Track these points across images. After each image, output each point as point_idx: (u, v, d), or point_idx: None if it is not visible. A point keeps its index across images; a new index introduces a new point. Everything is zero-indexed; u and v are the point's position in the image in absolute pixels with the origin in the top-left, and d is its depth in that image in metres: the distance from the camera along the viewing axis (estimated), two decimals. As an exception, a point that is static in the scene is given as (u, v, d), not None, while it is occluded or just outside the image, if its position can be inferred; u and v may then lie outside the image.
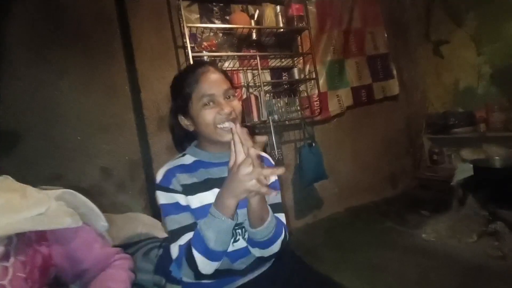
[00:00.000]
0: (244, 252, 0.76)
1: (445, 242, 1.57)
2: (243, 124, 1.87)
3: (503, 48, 2.06)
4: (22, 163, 1.45)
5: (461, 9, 2.24)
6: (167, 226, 0.71)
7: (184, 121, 0.79)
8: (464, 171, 1.94)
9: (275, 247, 0.73)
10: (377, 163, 2.50)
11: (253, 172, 0.59)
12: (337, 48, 2.25)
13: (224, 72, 0.79)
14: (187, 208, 0.72)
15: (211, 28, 1.76)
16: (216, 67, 0.80)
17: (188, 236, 0.68)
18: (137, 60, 1.63)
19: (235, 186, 0.61)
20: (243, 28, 1.74)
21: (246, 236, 0.76)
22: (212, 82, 0.73)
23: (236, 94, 0.79)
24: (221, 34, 1.86)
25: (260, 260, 0.77)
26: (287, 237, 0.78)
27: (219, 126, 0.73)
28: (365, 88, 2.40)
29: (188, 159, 0.79)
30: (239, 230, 0.76)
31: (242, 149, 0.62)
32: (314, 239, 1.87)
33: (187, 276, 0.69)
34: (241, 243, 0.76)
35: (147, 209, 1.72)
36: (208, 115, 0.72)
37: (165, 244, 0.93)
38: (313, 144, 1.91)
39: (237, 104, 0.75)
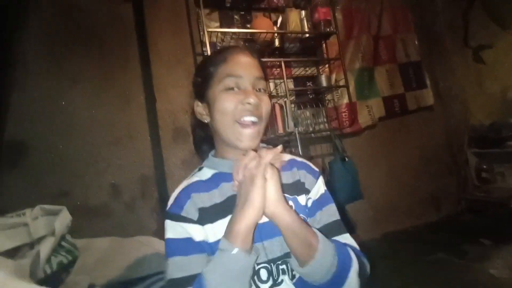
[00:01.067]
0: None
1: (524, 281, 1.24)
2: (266, 137, 1.69)
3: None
4: (27, 177, 1.32)
5: (505, 10, 2.03)
6: (167, 270, 0.50)
7: (199, 108, 0.62)
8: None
9: (351, 285, 0.48)
10: (416, 183, 2.20)
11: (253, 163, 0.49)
12: (366, 56, 2.08)
13: (260, 60, 0.62)
14: (202, 246, 0.52)
15: (232, 35, 1.65)
16: (252, 51, 0.62)
17: None
18: (153, 65, 1.53)
19: (242, 196, 0.48)
20: (266, 33, 1.61)
21: (294, 275, 0.52)
22: (242, 64, 0.58)
23: (267, 91, 0.61)
24: (242, 42, 1.75)
25: None
26: (367, 266, 0.53)
27: (239, 119, 0.55)
28: (398, 98, 2.17)
29: (205, 173, 0.61)
30: (285, 265, 0.52)
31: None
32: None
33: None
34: (286, 286, 0.52)
35: (159, 232, 1.52)
36: (228, 102, 0.55)
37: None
38: (346, 159, 1.68)
39: (267, 101, 0.59)
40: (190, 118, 0.70)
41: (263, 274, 0.51)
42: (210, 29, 1.51)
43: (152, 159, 1.54)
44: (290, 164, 0.63)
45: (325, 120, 1.94)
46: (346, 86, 1.79)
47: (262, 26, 1.65)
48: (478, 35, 2.23)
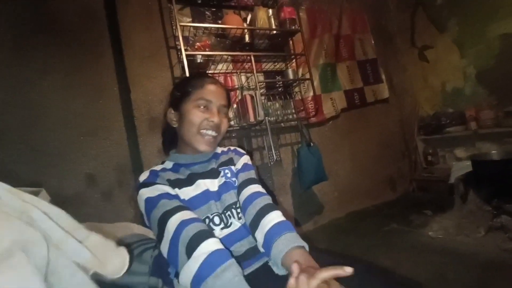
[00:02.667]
0: (240, 234, 0.71)
1: (453, 238, 1.51)
2: (238, 125, 1.81)
3: (485, 50, 2.16)
4: (-4, 169, 1.30)
5: (442, 16, 2.36)
6: (155, 215, 0.61)
7: (171, 115, 0.81)
8: (460, 169, 1.94)
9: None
10: (375, 167, 2.47)
11: None
12: (329, 52, 2.29)
13: (228, 93, 0.84)
14: (178, 196, 0.69)
15: (204, 30, 1.74)
16: (223, 85, 0.85)
17: (187, 213, 0.62)
18: (126, 58, 1.56)
19: None
20: (237, 29, 1.73)
21: (240, 217, 0.73)
22: (214, 92, 0.78)
23: (228, 117, 0.83)
24: (214, 37, 1.85)
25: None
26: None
27: (202, 131, 0.75)
28: (358, 91, 2.42)
29: (167, 164, 0.79)
30: (230, 212, 0.72)
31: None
32: (317, 246, 1.76)
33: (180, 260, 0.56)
34: (234, 225, 0.72)
35: (137, 218, 1.57)
36: (197, 116, 0.75)
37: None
38: (311, 144, 1.86)
39: (226, 123, 0.80)
40: (162, 122, 0.87)
41: (216, 219, 0.70)
42: (182, 23, 1.59)
43: (127, 148, 1.58)
44: (229, 149, 0.90)
45: (293, 111, 2.11)
46: (311, 79, 1.97)
47: (233, 22, 1.76)
48: (422, 36, 2.55)
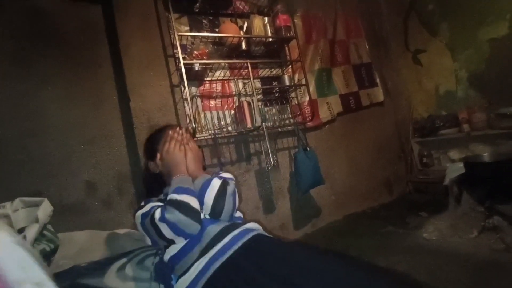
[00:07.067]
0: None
1: (447, 240, 1.54)
2: (236, 131, 1.85)
3: (476, 54, 2.21)
4: (-3, 179, 1.32)
5: (434, 21, 2.42)
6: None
7: (151, 165, 1.03)
8: (454, 170, 1.98)
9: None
10: (371, 169, 2.51)
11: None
12: (324, 58, 2.33)
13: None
14: None
15: (201, 38, 1.78)
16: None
17: None
18: (125, 67, 1.59)
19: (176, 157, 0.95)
20: (233, 37, 1.77)
21: None
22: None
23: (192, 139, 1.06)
24: (211, 45, 1.88)
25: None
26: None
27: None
28: (353, 95, 2.46)
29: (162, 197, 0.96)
30: None
31: None
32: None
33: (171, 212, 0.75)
34: None
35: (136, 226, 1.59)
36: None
37: (161, 252, 0.85)
38: (308, 149, 1.89)
39: (193, 146, 1.01)
40: (143, 176, 1.11)
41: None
42: (181, 33, 1.62)
43: (127, 156, 1.60)
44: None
45: (290, 116, 2.15)
46: (307, 85, 2.01)
47: (229, 30, 1.80)
48: (415, 41, 2.61)
